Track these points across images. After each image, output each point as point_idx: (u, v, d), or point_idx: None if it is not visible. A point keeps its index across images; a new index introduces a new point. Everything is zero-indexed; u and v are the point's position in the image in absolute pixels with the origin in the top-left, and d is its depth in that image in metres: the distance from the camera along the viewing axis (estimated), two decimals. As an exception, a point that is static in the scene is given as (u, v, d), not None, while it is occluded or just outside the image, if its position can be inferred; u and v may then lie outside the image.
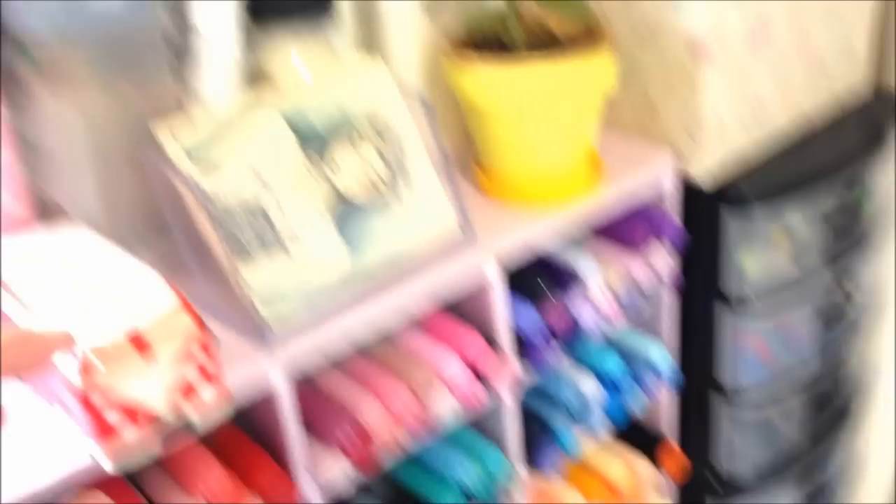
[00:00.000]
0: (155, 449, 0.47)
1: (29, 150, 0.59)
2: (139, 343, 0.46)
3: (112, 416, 0.45)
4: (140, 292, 0.49)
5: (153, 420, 0.47)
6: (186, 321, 0.48)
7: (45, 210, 0.61)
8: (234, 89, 0.68)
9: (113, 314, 0.47)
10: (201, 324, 0.48)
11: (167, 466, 0.58)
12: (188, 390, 0.48)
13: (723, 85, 0.80)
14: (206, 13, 0.64)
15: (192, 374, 0.48)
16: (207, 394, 0.49)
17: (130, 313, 0.47)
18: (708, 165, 0.82)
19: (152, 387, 0.46)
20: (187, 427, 0.48)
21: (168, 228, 0.64)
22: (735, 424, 0.96)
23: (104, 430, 0.45)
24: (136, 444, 0.46)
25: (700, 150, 0.81)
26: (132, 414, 0.46)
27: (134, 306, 0.47)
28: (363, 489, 0.74)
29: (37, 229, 0.58)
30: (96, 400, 0.45)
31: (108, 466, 0.46)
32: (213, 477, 0.56)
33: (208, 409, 0.49)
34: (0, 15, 0.56)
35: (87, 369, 0.45)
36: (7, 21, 0.56)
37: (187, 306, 0.48)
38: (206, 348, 0.48)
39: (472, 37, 0.76)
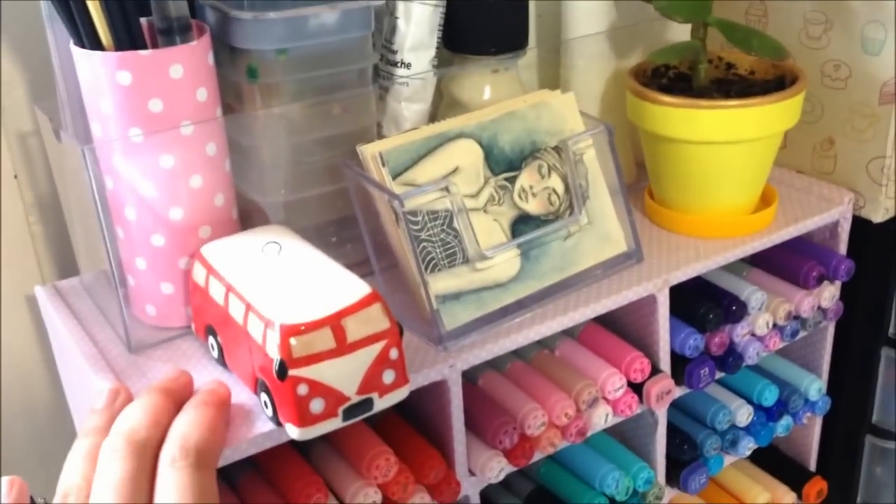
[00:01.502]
0: (337, 423, 0.52)
1: (233, 150, 0.64)
2: (336, 328, 0.51)
3: (303, 389, 0.50)
4: (339, 286, 0.54)
5: (341, 399, 0.51)
6: (380, 314, 0.53)
7: (243, 210, 0.67)
8: (430, 115, 0.73)
9: (314, 303, 0.52)
10: (392, 317, 0.53)
11: (338, 445, 0.64)
12: (375, 374, 0.53)
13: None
14: (411, 41, 0.69)
15: (380, 361, 0.53)
16: (389, 377, 0.53)
17: (330, 302, 0.52)
18: (886, 207, 0.81)
19: (344, 369, 0.51)
20: (367, 404, 0.53)
21: (341, 232, 0.70)
22: (883, 462, 0.95)
23: (295, 402, 0.50)
24: (322, 417, 0.51)
25: (880, 192, 0.81)
26: (322, 390, 0.50)
27: (333, 297, 0.52)
28: (504, 484, 0.78)
29: (241, 231, 0.64)
30: (292, 372, 0.49)
31: (295, 434, 0.51)
32: (383, 460, 0.61)
33: (388, 390, 0.54)
34: (234, 38, 0.62)
35: (286, 345, 0.49)
36: (238, 43, 0.62)
37: (381, 300, 0.53)
38: (395, 338, 0.53)
39: (657, 73, 0.79)
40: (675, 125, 0.72)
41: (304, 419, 0.50)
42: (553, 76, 0.83)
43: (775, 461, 0.94)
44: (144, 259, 0.63)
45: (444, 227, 0.63)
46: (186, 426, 0.49)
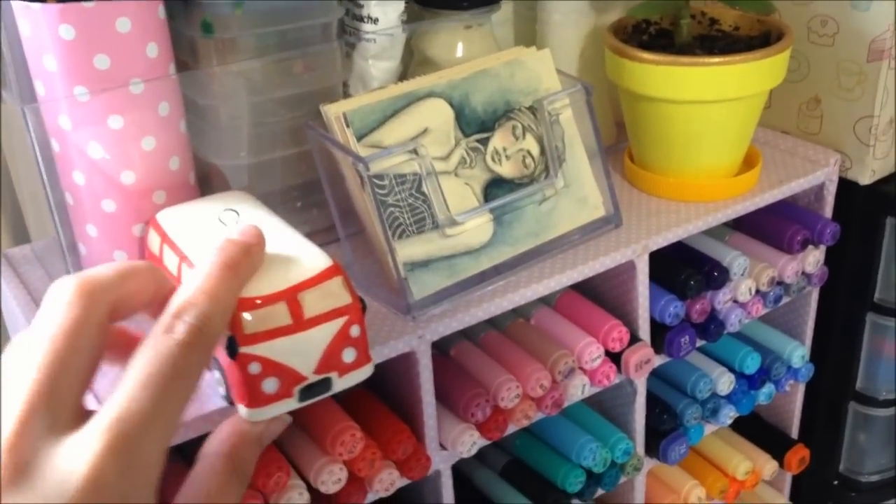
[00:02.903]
0: (292, 405, 0.48)
1: (189, 111, 0.61)
2: (292, 303, 0.47)
3: (255, 368, 0.46)
4: (298, 257, 0.50)
5: (297, 379, 0.48)
6: (341, 288, 0.49)
7: (202, 174, 0.63)
8: (400, 74, 0.70)
9: (270, 275, 0.48)
10: (354, 292, 0.49)
11: (301, 421, 0.61)
12: (334, 352, 0.49)
13: (896, 86, 0.77)
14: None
15: (339, 339, 0.49)
16: (350, 355, 0.49)
17: (287, 275, 0.48)
18: (873, 168, 0.79)
19: (300, 347, 0.47)
20: (325, 384, 0.49)
21: (306, 197, 0.67)
22: (866, 429, 0.94)
23: (246, 381, 0.46)
24: (275, 397, 0.47)
25: (867, 153, 0.78)
26: (276, 369, 0.47)
27: (291, 269, 0.48)
28: (478, 457, 0.75)
29: (200, 196, 0.61)
30: (243, 350, 0.46)
31: (246, 415, 0.47)
32: (349, 436, 0.58)
33: (349, 369, 0.50)
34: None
35: (237, 321, 0.46)
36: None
37: (343, 274, 0.49)
38: (356, 314, 0.49)
39: (638, 29, 0.75)
40: (655, 83, 0.69)
41: (255, 399, 0.47)
42: (529, 32, 0.79)
43: (757, 429, 0.93)
44: (95, 226, 0.59)
45: (413, 192, 0.60)
46: (192, 291, 0.41)
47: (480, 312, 0.61)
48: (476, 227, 0.63)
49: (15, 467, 0.33)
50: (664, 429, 0.78)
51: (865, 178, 0.79)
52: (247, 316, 0.46)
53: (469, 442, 0.63)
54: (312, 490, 0.58)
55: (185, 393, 0.38)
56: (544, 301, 0.72)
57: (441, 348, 0.68)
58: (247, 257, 0.45)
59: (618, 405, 0.76)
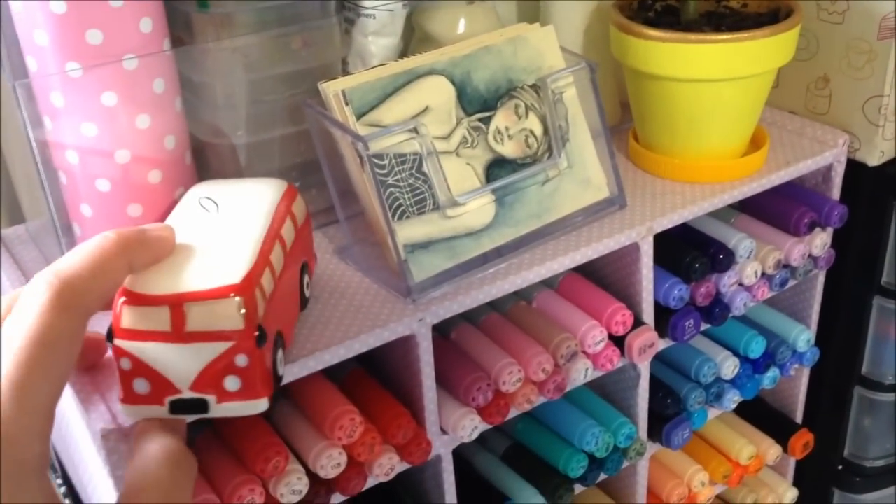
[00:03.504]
0: (164, 413, 0.45)
1: (185, 88, 0.59)
2: (175, 311, 0.44)
3: (125, 364, 0.44)
4: (221, 265, 0.46)
5: (169, 390, 0.45)
6: (235, 312, 0.44)
7: (198, 153, 0.62)
8: (400, 51, 0.68)
9: (174, 276, 0.45)
10: (253, 320, 0.45)
11: (300, 405, 0.60)
12: (214, 376, 0.45)
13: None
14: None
15: (220, 364, 0.45)
16: (233, 384, 0.45)
17: (188, 281, 0.45)
18: (882, 149, 0.78)
19: (175, 358, 0.44)
20: (200, 405, 0.45)
21: (305, 177, 0.66)
22: (871, 413, 0.93)
23: (119, 374, 0.45)
24: (146, 400, 0.45)
25: (876, 134, 0.77)
26: (146, 372, 0.44)
27: (197, 276, 0.45)
28: (479, 441, 0.75)
29: (196, 176, 0.59)
30: (116, 342, 0.44)
31: (120, 408, 0.46)
32: (348, 420, 0.57)
33: (231, 398, 0.46)
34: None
35: (117, 311, 0.44)
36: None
37: (246, 296, 0.45)
38: (247, 344, 0.45)
39: (644, 6, 0.74)
40: (661, 61, 0.67)
41: (128, 396, 0.45)
42: (532, 9, 0.78)
43: (761, 413, 0.92)
44: (90, 205, 0.58)
45: (413, 172, 0.59)
46: (65, 259, 0.40)
47: (482, 295, 0.60)
48: (477, 208, 0.61)
49: None
50: (668, 413, 0.77)
51: (874, 160, 0.78)
52: (126, 309, 0.44)
53: (470, 426, 0.63)
54: (311, 475, 0.57)
55: (54, 364, 0.36)
56: (547, 283, 0.71)
57: (441, 331, 0.67)
58: (141, 240, 0.44)
59: (621, 389, 0.75)
